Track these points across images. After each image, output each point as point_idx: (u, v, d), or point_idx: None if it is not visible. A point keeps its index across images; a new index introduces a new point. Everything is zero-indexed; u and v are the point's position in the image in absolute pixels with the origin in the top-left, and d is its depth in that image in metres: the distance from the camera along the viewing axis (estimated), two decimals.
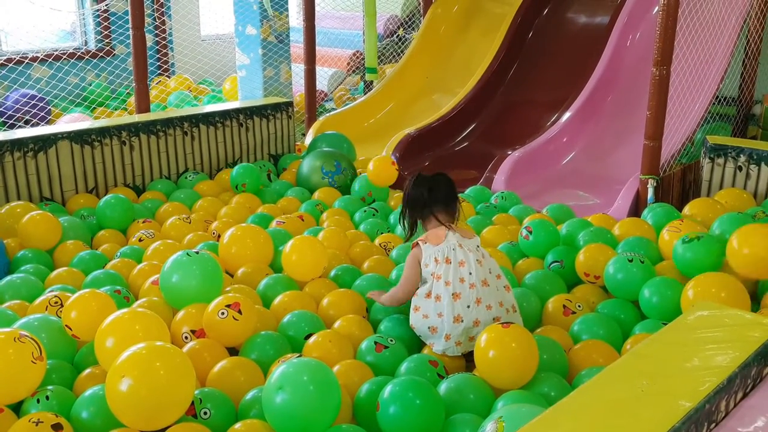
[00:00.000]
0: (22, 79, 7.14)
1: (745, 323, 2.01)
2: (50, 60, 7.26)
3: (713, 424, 1.71)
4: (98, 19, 8.03)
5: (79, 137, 4.50)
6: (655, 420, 1.59)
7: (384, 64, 8.42)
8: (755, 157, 4.23)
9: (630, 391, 1.71)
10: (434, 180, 2.99)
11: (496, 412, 2.09)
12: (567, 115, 5.66)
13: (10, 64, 7.23)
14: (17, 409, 2.42)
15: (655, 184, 4.26)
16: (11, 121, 6.61)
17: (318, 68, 7.08)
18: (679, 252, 3.19)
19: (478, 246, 2.90)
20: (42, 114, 6.85)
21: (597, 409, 1.66)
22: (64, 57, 7.17)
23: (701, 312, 2.12)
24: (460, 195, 3.31)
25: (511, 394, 2.39)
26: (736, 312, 2.10)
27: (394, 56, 8.50)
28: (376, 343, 2.76)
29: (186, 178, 4.92)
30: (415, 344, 2.92)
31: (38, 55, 7.22)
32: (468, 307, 2.74)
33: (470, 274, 2.77)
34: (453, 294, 2.75)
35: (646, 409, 1.64)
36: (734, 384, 1.77)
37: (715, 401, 1.70)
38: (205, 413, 2.36)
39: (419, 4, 7.75)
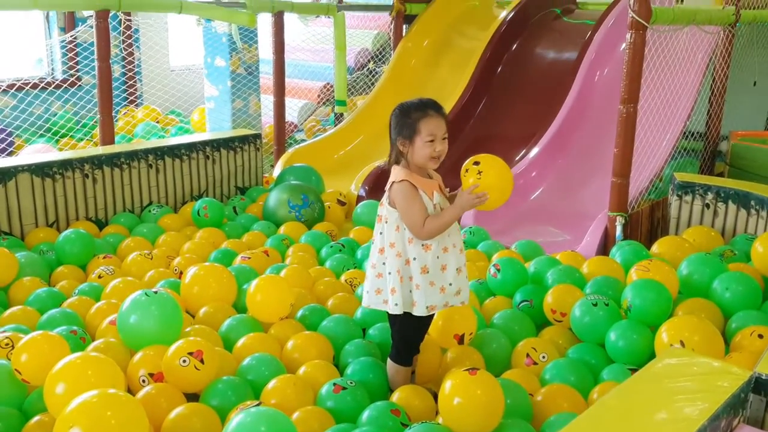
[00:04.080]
0: None
1: (714, 372, 1.97)
2: (12, 90, 7.13)
3: None
4: (64, 50, 7.93)
5: (40, 170, 4.39)
6: None
7: (355, 96, 8.42)
8: (722, 194, 4.24)
9: None
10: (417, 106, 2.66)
11: None
12: (536, 150, 5.66)
13: None
14: None
15: (623, 221, 4.25)
16: None
17: (288, 100, 7.05)
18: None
19: (383, 202, 2.69)
20: (3, 146, 6.71)
21: None
22: (27, 87, 7.05)
23: (669, 360, 2.08)
24: None
25: None
26: (705, 360, 2.06)
27: (364, 89, 8.51)
28: (334, 384, 2.69)
29: (150, 211, 4.82)
30: (380, 389, 2.84)
31: (1, 84, 7.09)
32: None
33: (379, 234, 2.72)
34: None
35: None
36: None
37: None
38: None
39: (390, 37, 7.78)
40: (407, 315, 2.67)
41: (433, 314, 2.81)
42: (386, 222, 2.67)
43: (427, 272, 2.62)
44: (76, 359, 2.50)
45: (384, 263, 2.68)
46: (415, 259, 2.62)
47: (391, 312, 2.69)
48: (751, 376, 1.94)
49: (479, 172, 2.59)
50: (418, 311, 2.63)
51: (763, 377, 1.94)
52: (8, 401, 2.63)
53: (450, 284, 2.65)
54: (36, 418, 2.52)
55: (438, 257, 2.63)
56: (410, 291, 2.64)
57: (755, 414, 1.96)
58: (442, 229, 2.60)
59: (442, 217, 2.59)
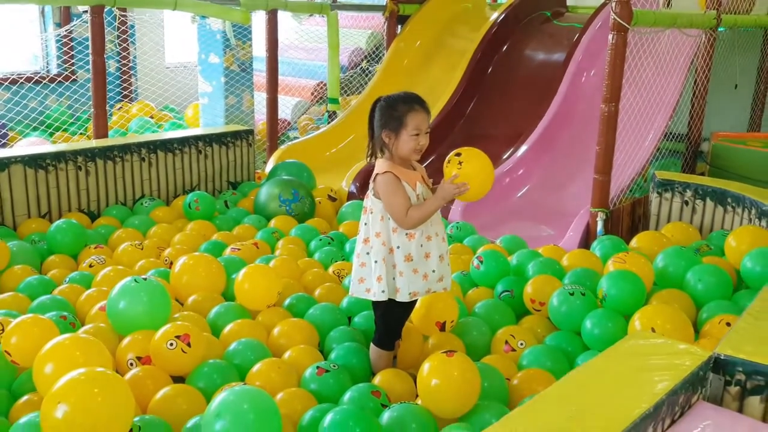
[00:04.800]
0: None
1: (677, 352, 2.06)
2: (6, 83, 7.19)
3: None
4: (60, 44, 7.99)
5: (34, 161, 4.45)
6: None
7: (348, 95, 8.50)
8: (701, 192, 4.34)
9: (559, 417, 1.73)
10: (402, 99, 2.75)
11: None
12: (523, 148, 5.75)
13: None
14: None
15: (604, 216, 4.34)
16: None
17: (282, 97, 7.12)
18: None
19: (368, 194, 2.79)
20: None
21: None
22: (21, 80, 7.11)
23: (636, 341, 2.16)
24: None
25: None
26: (669, 341, 2.14)
27: (358, 88, 8.59)
28: (318, 367, 2.77)
29: (142, 204, 4.89)
30: (363, 373, 2.92)
31: None
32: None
33: (364, 224, 2.80)
34: None
35: None
36: (661, 411, 1.80)
37: (642, 428, 1.73)
38: None
39: (383, 37, 7.86)
40: (391, 301, 2.75)
41: (416, 301, 2.90)
42: (371, 213, 2.76)
43: (411, 260, 2.70)
44: (65, 340, 2.54)
45: (368, 253, 2.76)
46: (399, 247, 2.70)
47: (375, 299, 2.77)
48: (710, 356, 2.03)
49: (460, 163, 2.68)
50: (402, 297, 2.72)
51: (722, 357, 2.03)
52: None
53: (433, 271, 2.74)
54: (25, 398, 2.57)
55: (422, 245, 2.72)
56: (393, 278, 2.72)
57: (714, 392, 2.05)
58: (424, 218, 2.69)
59: (425, 207, 2.68)
